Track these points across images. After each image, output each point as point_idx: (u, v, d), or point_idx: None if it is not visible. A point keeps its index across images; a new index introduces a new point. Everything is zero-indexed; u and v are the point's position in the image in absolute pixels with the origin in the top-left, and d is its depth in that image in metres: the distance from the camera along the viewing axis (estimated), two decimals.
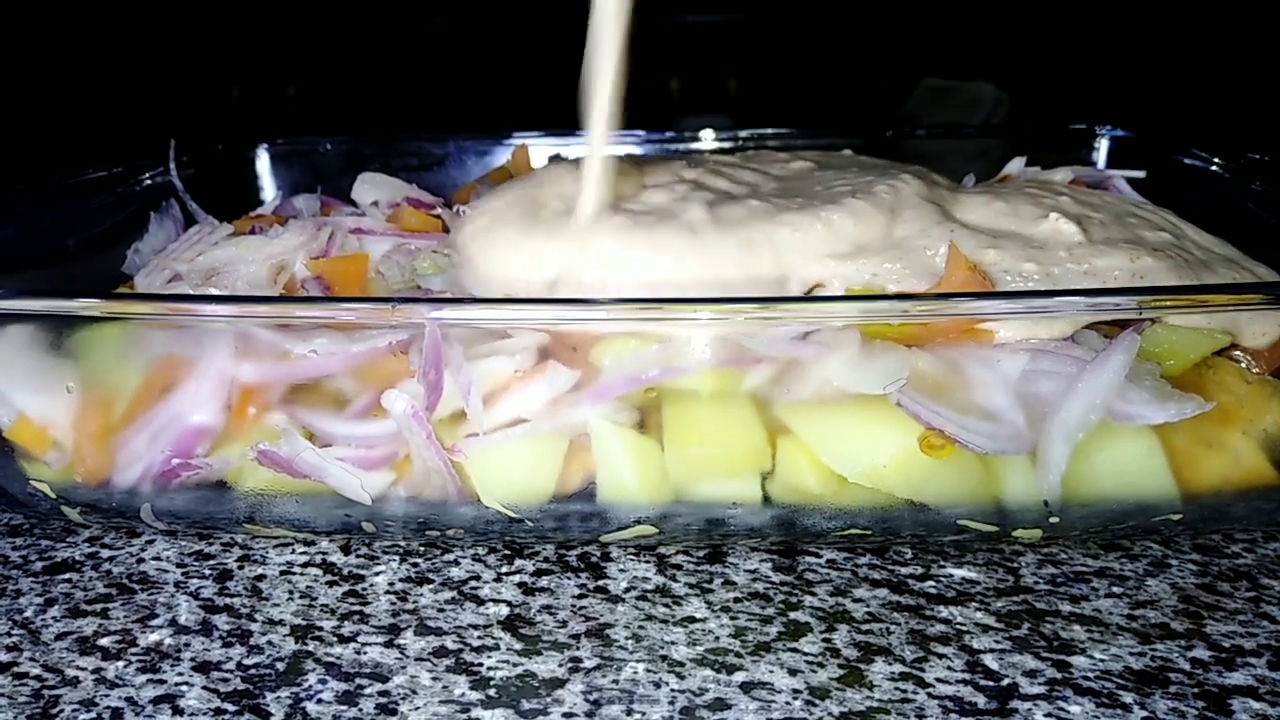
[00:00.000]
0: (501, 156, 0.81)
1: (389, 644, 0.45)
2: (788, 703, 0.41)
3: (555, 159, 0.81)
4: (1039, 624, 0.45)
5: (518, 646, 0.44)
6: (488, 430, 0.45)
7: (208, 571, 0.50)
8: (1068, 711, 0.40)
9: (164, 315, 0.46)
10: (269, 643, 0.45)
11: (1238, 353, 0.49)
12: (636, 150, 0.83)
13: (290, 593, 0.48)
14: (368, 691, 0.42)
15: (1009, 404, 0.45)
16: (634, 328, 0.45)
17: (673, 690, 0.42)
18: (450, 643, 0.45)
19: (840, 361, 0.44)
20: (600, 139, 0.54)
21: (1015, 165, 0.71)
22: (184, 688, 0.42)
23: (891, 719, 0.40)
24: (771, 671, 0.43)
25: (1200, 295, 0.45)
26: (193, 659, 0.44)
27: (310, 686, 0.42)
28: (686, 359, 0.45)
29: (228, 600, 0.48)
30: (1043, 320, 0.46)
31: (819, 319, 0.44)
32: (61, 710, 0.41)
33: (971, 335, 0.46)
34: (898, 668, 0.43)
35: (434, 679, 0.43)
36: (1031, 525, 0.47)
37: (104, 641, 0.45)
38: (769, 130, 0.83)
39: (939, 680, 0.42)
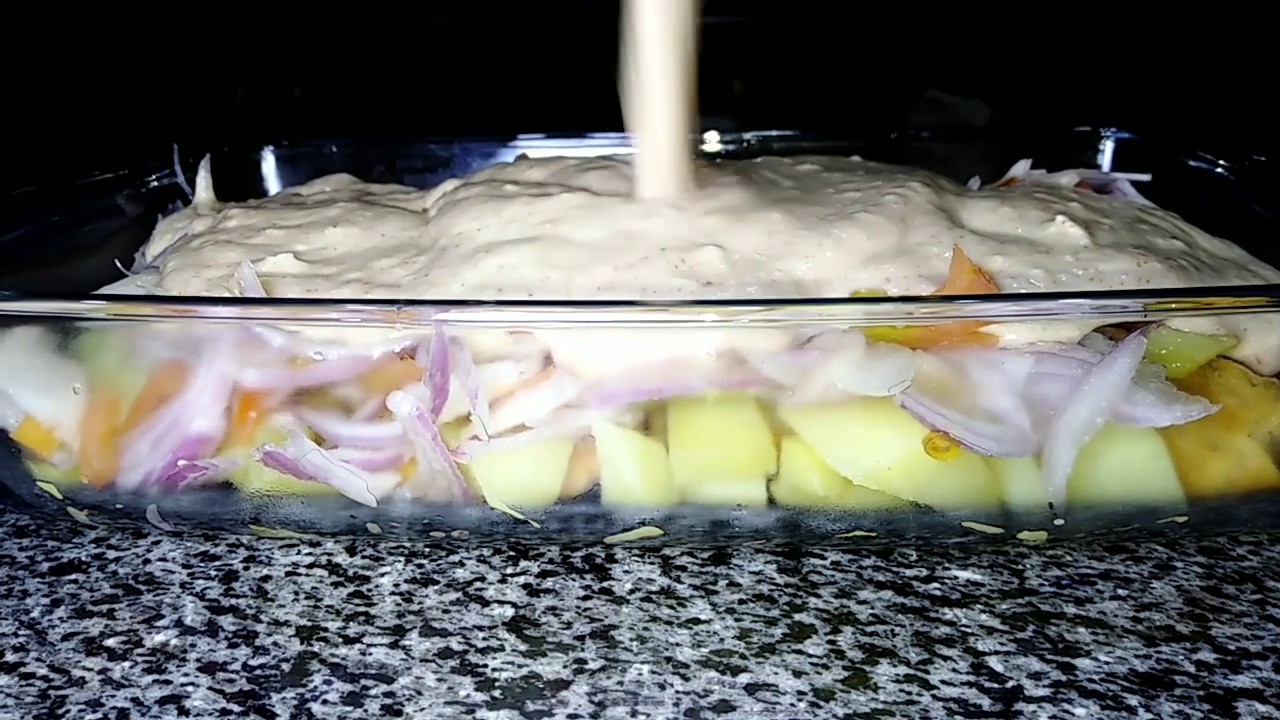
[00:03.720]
0: (506, 159, 0.81)
1: (394, 645, 0.45)
2: (792, 704, 0.41)
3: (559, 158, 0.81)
4: (1044, 626, 0.45)
5: (522, 648, 0.45)
6: (493, 436, 0.45)
7: (213, 572, 0.50)
8: (1072, 714, 0.40)
9: (167, 317, 0.46)
10: (274, 643, 0.45)
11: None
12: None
13: (296, 594, 0.49)
14: (373, 692, 0.42)
15: (1014, 406, 0.45)
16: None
17: (677, 692, 0.42)
18: (455, 644, 0.45)
19: (845, 364, 0.44)
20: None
21: (1020, 168, 0.71)
22: (189, 688, 0.42)
23: None
24: (776, 673, 0.43)
25: (1205, 298, 0.45)
26: (198, 659, 0.44)
27: (315, 687, 0.42)
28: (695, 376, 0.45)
29: (233, 601, 0.48)
30: (1048, 323, 0.46)
31: (824, 321, 0.44)
32: (68, 710, 0.41)
33: (976, 338, 0.46)
34: (902, 670, 0.43)
35: (439, 680, 0.43)
36: (1036, 527, 0.47)
37: (110, 642, 0.45)
38: (774, 132, 0.83)
39: (943, 682, 0.42)
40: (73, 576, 0.50)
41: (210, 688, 0.42)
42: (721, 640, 0.45)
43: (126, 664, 0.44)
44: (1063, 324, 0.46)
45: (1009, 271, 0.51)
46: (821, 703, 0.41)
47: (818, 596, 0.48)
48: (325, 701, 0.41)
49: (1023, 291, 0.50)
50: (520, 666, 0.43)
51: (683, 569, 0.50)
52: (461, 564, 0.51)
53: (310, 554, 0.52)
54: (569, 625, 0.46)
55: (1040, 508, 0.46)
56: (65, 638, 0.46)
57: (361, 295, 0.51)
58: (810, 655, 0.44)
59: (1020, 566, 0.50)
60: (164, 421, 0.47)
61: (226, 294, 0.52)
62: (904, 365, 0.44)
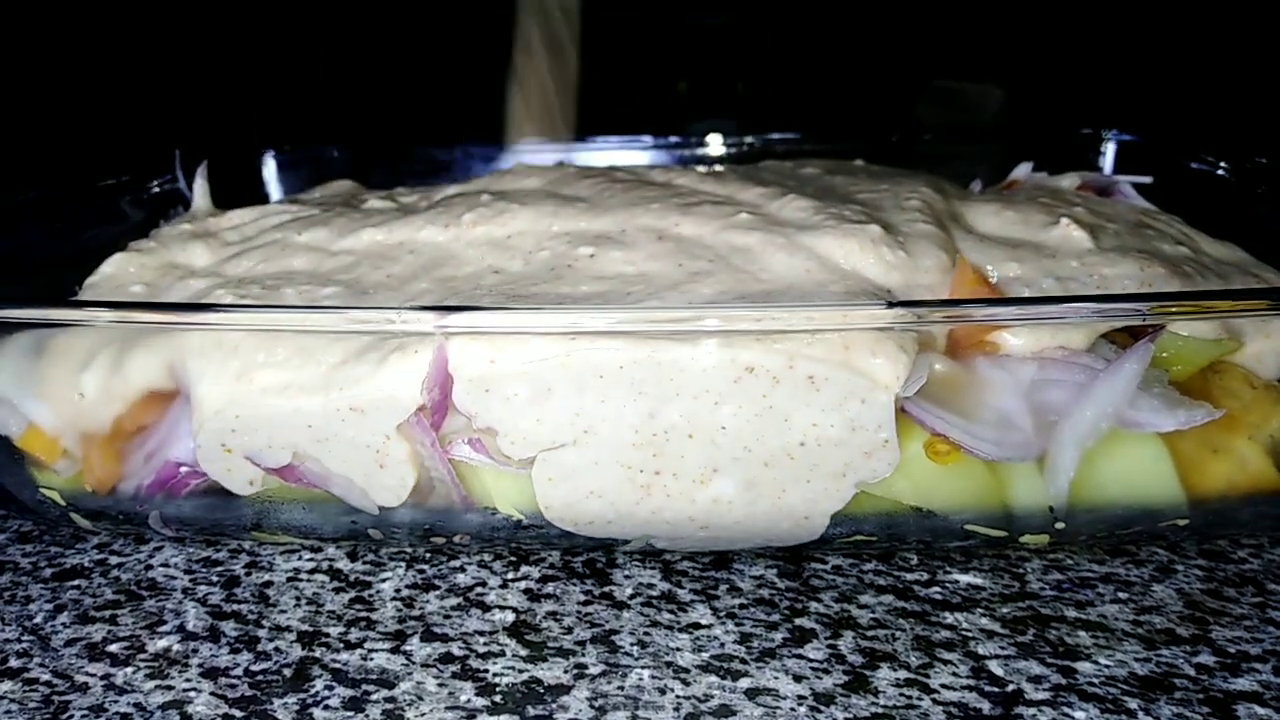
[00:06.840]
0: (507, 163, 0.81)
1: (395, 650, 0.45)
2: (792, 709, 0.41)
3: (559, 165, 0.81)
4: (1044, 630, 0.45)
5: (523, 653, 0.45)
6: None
7: (215, 578, 0.51)
8: (1072, 717, 0.40)
9: (164, 323, 0.46)
10: (276, 649, 0.45)
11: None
12: (644, 156, 0.83)
13: (297, 599, 0.49)
14: (374, 697, 0.42)
15: (1016, 411, 0.45)
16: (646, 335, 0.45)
17: (678, 697, 0.42)
18: (456, 649, 0.45)
19: None
20: None
21: (1022, 170, 0.71)
22: (192, 693, 0.42)
23: None
24: (776, 678, 0.43)
25: (1207, 301, 0.45)
26: (200, 665, 0.44)
27: (317, 693, 0.42)
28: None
29: (235, 607, 0.48)
30: (1053, 328, 0.46)
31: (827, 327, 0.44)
32: (71, 716, 0.41)
33: (980, 345, 0.46)
34: (903, 674, 0.43)
35: (440, 685, 0.43)
36: (1038, 531, 0.47)
37: (113, 648, 0.46)
38: (775, 135, 0.83)
39: (944, 686, 0.42)
40: (75, 582, 0.51)
41: (212, 693, 0.42)
42: (722, 645, 0.45)
43: (129, 669, 0.44)
44: (1071, 329, 0.46)
45: (1024, 278, 0.51)
46: (822, 707, 0.41)
47: (818, 601, 0.48)
48: (327, 707, 0.42)
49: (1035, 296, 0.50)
50: (521, 671, 0.43)
51: (684, 574, 0.50)
52: (462, 569, 0.51)
53: (311, 559, 0.52)
54: (570, 630, 0.46)
55: (1042, 511, 0.46)
56: (68, 643, 0.46)
57: (340, 301, 0.52)
58: (811, 660, 0.44)
59: (1021, 570, 0.50)
60: (151, 441, 0.48)
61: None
62: (919, 368, 0.44)
